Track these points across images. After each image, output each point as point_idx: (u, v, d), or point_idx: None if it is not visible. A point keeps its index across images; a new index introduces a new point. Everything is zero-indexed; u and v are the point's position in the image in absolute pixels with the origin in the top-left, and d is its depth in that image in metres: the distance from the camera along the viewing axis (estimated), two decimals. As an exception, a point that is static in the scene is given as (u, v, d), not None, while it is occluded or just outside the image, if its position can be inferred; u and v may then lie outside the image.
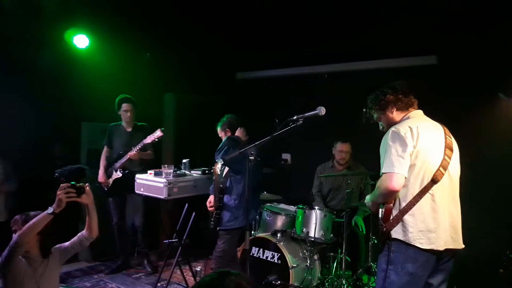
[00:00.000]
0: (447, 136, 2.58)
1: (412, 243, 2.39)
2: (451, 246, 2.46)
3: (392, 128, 2.50)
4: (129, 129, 4.94)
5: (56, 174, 2.54)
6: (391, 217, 2.45)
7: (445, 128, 2.64)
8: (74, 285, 4.39)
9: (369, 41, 5.00)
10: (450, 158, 2.50)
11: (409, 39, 4.70)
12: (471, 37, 4.37)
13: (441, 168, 2.45)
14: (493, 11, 4.13)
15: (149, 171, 4.13)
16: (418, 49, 4.81)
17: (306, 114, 2.75)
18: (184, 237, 4.21)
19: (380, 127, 2.81)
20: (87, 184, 2.59)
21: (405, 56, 4.93)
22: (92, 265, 5.10)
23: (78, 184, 2.50)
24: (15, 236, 2.35)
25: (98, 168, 5.27)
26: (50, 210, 2.38)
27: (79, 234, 2.75)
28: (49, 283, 2.58)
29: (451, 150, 2.54)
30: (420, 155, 2.42)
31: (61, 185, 2.43)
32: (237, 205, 3.70)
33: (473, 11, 4.18)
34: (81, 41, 5.15)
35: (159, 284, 4.29)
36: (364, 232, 4.58)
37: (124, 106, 4.87)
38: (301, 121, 2.77)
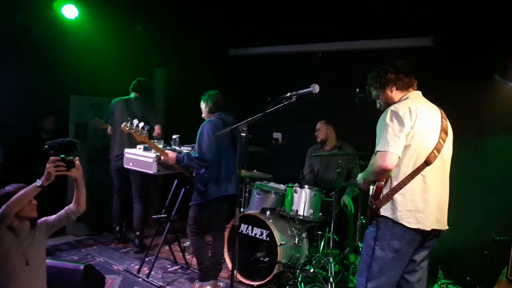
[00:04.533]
0: (443, 119, 2.60)
1: (399, 222, 2.43)
2: (436, 227, 2.51)
3: (391, 107, 2.49)
4: None
5: (45, 147, 2.49)
6: (381, 195, 2.47)
7: (442, 111, 2.65)
8: (62, 258, 4.38)
9: (364, 21, 4.93)
10: (444, 141, 2.52)
11: (404, 20, 4.65)
12: (466, 18, 4.33)
13: (435, 151, 2.46)
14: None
15: (138, 146, 4.09)
16: (413, 30, 4.76)
17: (300, 91, 2.71)
18: (173, 213, 4.21)
19: (378, 105, 2.79)
20: (77, 158, 2.55)
21: (400, 37, 4.88)
22: (79, 239, 5.10)
23: (67, 158, 2.46)
24: (1, 208, 2.32)
25: (86, 142, 5.23)
26: (38, 182, 2.34)
27: (66, 207, 2.72)
28: (36, 255, 2.56)
29: (446, 133, 2.56)
30: (416, 136, 2.43)
31: (51, 158, 2.39)
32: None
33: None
34: (70, 11, 5.00)
35: (147, 259, 4.30)
36: (353, 212, 4.62)
37: None
38: (294, 98, 2.72)
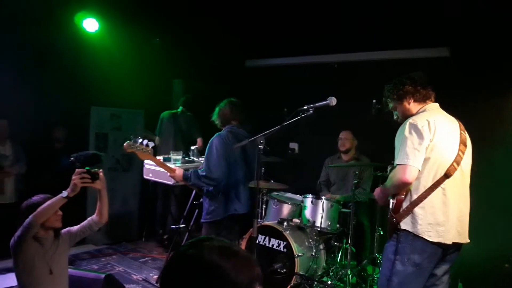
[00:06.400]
0: (461, 131, 2.59)
1: (420, 235, 2.41)
2: (457, 240, 2.49)
3: (410, 120, 2.49)
4: None
5: (71, 159, 2.58)
6: (402, 209, 2.46)
7: (460, 123, 2.65)
8: (82, 267, 4.45)
9: (381, 32, 4.94)
10: (463, 153, 2.52)
11: (421, 30, 4.65)
12: (484, 29, 4.30)
13: (454, 163, 2.46)
14: (507, 2, 4.06)
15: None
16: (430, 40, 4.76)
17: (317, 104, 2.74)
18: (191, 223, 4.24)
19: (395, 117, 2.79)
20: (101, 170, 2.63)
21: (417, 48, 4.88)
22: (99, 248, 5.16)
23: (92, 170, 2.54)
24: (29, 217, 2.39)
25: (106, 152, 5.33)
26: (64, 194, 2.42)
27: (89, 218, 2.79)
28: (59, 264, 2.62)
29: (465, 145, 2.55)
30: (436, 149, 2.43)
31: (76, 170, 2.47)
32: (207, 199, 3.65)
33: (487, 2, 4.12)
34: (91, 25, 5.14)
35: (165, 269, 4.33)
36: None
37: None
38: (311, 111, 2.75)
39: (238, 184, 3.57)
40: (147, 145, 3.34)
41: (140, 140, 3.33)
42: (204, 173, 3.43)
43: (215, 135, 3.58)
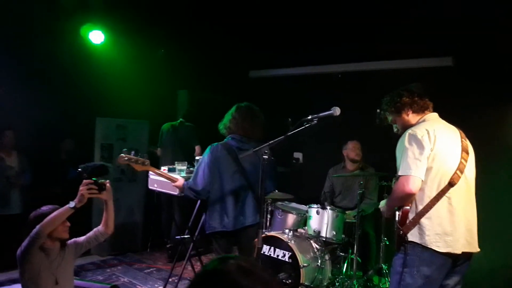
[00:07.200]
0: (462, 139, 2.58)
1: (428, 246, 2.38)
2: (466, 249, 2.46)
3: (409, 131, 2.49)
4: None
5: (79, 169, 2.62)
6: (408, 220, 2.44)
7: (460, 131, 2.64)
8: (87, 278, 4.44)
9: (384, 42, 4.97)
10: (466, 161, 2.50)
11: (425, 40, 4.67)
12: (487, 38, 4.32)
13: (458, 171, 2.44)
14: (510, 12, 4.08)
15: (162, 167, 4.15)
16: (434, 50, 4.77)
17: (321, 114, 2.73)
18: (196, 233, 4.23)
19: (395, 130, 2.80)
20: (107, 181, 2.64)
21: (420, 57, 4.89)
22: (104, 259, 5.17)
23: (99, 181, 2.56)
24: (36, 227, 2.40)
25: (111, 163, 5.35)
26: (71, 204, 2.44)
27: (95, 229, 2.80)
28: (65, 275, 2.63)
29: (467, 153, 2.54)
30: (437, 158, 2.42)
31: (84, 181, 2.49)
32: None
33: (490, 12, 4.13)
34: (96, 36, 5.21)
35: (170, 279, 4.32)
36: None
37: None
38: (315, 121, 2.75)
39: (225, 199, 3.33)
40: (142, 156, 3.25)
41: (133, 152, 3.23)
42: (189, 185, 3.34)
43: (209, 146, 3.43)
